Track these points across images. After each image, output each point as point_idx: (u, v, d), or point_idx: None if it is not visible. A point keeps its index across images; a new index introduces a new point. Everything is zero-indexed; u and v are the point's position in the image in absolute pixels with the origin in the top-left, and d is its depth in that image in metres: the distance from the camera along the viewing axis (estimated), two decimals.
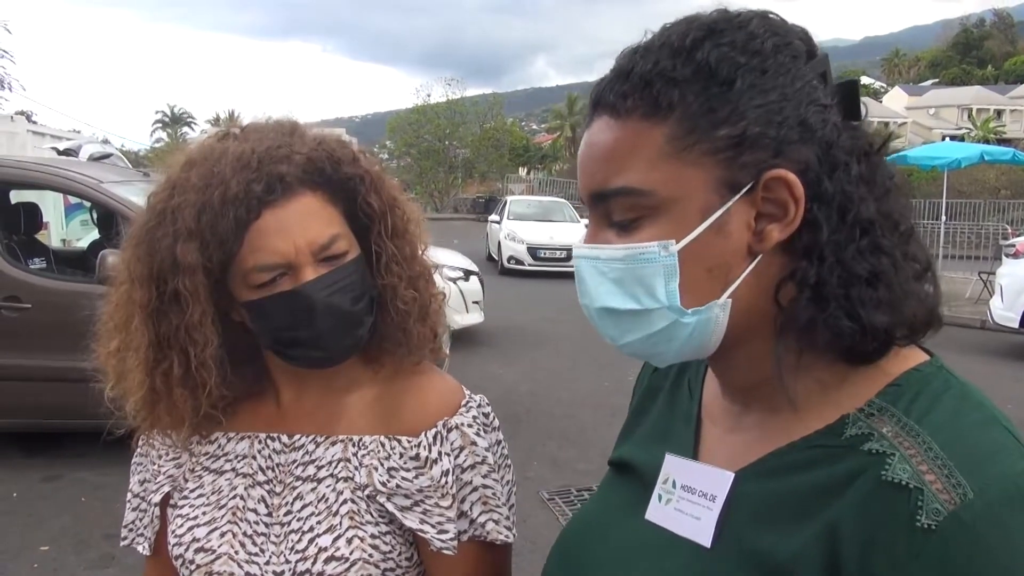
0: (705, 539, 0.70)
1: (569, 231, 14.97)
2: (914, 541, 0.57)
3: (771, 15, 0.70)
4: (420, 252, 1.05)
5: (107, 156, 7.37)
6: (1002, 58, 78.29)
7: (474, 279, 7.96)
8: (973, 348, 8.64)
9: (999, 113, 53.54)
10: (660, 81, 0.66)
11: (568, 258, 14.26)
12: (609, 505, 0.85)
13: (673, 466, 0.79)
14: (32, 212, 5.73)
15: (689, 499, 0.74)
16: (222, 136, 1.00)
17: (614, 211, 0.69)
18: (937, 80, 72.17)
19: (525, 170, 46.11)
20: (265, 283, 0.93)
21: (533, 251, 14.46)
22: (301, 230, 0.92)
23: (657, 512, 0.77)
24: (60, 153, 7.74)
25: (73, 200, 9.05)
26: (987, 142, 28.56)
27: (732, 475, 0.72)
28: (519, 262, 14.50)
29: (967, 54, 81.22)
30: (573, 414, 6.00)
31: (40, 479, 4.50)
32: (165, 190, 0.95)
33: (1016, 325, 8.33)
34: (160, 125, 77.16)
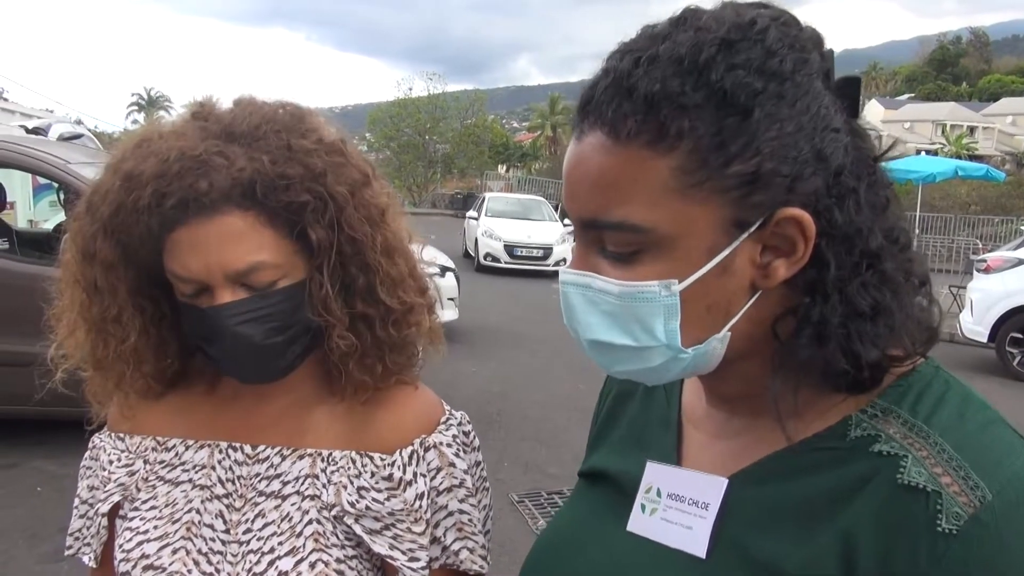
0: (700, 549, 0.66)
1: (547, 230, 14.92)
2: (936, 547, 0.56)
3: (787, 21, 0.64)
4: (392, 287, 0.93)
5: (77, 136, 7.22)
6: (977, 76, 79.80)
7: (450, 275, 7.88)
8: (943, 361, 8.62)
9: (972, 130, 54.42)
10: (668, 106, 0.60)
11: (545, 256, 14.27)
12: (584, 517, 0.80)
13: (656, 474, 0.75)
14: None
15: (678, 508, 0.71)
16: (197, 114, 0.91)
17: (608, 241, 0.64)
18: (913, 95, 73.24)
19: (504, 168, 46.02)
20: (184, 291, 0.87)
21: (510, 249, 14.38)
22: (217, 252, 0.84)
23: (641, 523, 0.73)
24: (28, 131, 7.55)
25: (43, 180, 8.84)
26: (959, 158, 29.02)
27: (726, 481, 0.69)
28: (496, 259, 14.41)
29: (943, 70, 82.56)
30: (546, 416, 5.93)
31: None
32: (104, 174, 0.89)
33: (985, 340, 8.54)
34: (136, 108, 75.90)
